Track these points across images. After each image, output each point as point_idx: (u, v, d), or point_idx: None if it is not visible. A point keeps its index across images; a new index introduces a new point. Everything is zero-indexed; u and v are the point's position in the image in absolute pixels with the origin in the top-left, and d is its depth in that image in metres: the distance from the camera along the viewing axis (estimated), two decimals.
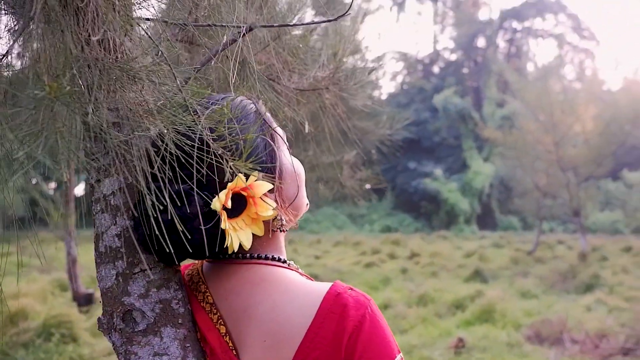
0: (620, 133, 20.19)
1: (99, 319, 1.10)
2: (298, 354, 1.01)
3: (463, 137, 41.71)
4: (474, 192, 38.91)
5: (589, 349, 7.75)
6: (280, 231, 1.16)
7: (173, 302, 1.09)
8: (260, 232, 1.08)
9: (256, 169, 1.03)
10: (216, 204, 1.01)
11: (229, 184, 1.02)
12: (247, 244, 1.05)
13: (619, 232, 30.72)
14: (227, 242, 1.03)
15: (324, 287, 1.07)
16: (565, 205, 21.42)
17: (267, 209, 1.06)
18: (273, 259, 1.14)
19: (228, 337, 1.08)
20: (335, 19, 1.14)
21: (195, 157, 1.00)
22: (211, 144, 0.96)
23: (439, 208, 39.27)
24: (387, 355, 1.01)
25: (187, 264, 1.25)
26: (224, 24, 1.10)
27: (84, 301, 9.75)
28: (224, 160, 0.97)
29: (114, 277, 1.08)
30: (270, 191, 1.10)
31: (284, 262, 1.15)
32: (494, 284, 13.36)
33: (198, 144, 0.99)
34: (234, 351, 1.07)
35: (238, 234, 1.05)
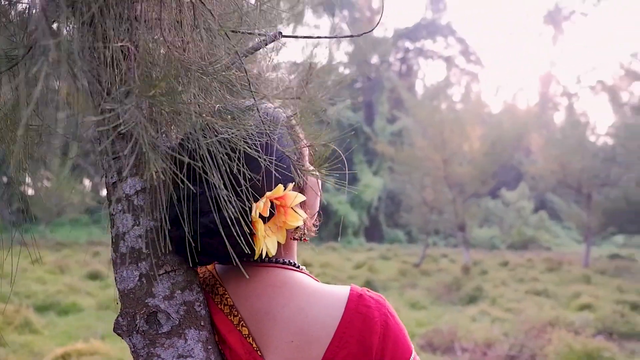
0: (504, 154, 21.52)
1: (117, 320, 1.08)
2: (327, 353, 1.06)
3: (354, 151, 42.72)
4: (362, 205, 39.85)
5: (478, 357, 8.18)
6: (301, 240, 1.19)
7: (196, 304, 1.09)
8: (283, 239, 1.11)
9: (331, 175, 1.06)
10: (256, 212, 1.03)
11: (267, 193, 1.05)
12: (273, 251, 1.08)
13: (495, 247, 32.53)
14: (257, 248, 1.05)
15: (344, 289, 1.13)
16: (450, 220, 22.43)
17: (297, 219, 1.09)
18: (290, 263, 1.17)
19: (251, 338, 1.09)
20: (359, 35, 1.19)
21: (239, 163, 1.01)
22: (279, 149, 0.98)
23: (329, 219, 39.90)
24: (408, 350, 1.09)
25: None
26: (249, 32, 1.12)
27: None
28: (294, 165, 0.99)
29: (137, 278, 1.07)
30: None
31: (298, 267, 1.19)
32: (384, 295, 13.67)
33: (255, 150, 1.01)
34: (258, 352, 1.09)
35: (265, 241, 1.08)
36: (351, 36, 1.19)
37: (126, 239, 1.08)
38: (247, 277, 1.13)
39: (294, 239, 1.19)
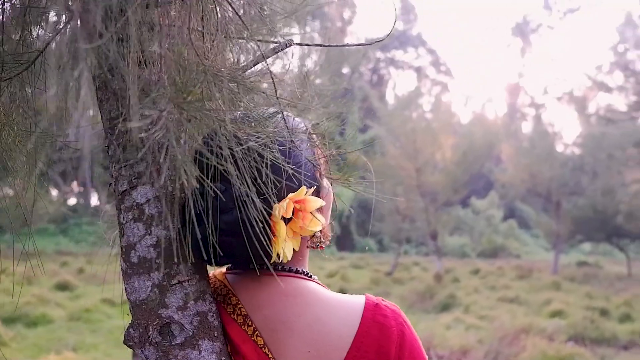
0: (476, 163, 21.78)
1: (128, 332, 1.05)
2: None
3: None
4: (333, 214, 39.77)
5: None
6: (316, 247, 1.18)
7: (209, 315, 1.07)
8: (297, 246, 1.09)
9: (357, 183, 1.05)
10: (278, 212, 1.01)
11: (290, 195, 1.03)
12: (289, 256, 1.06)
13: (466, 256, 32.80)
14: (275, 252, 1.04)
15: (359, 298, 1.13)
16: (422, 228, 22.57)
17: (317, 223, 1.07)
18: (303, 273, 1.16)
19: (267, 348, 1.07)
20: (370, 44, 1.19)
21: (257, 166, 1.00)
22: (302, 154, 0.97)
23: None
24: (424, 358, 1.10)
25: None
26: (262, 39, 1.11)
27: None
28: (318, 170, 0.99)
29: (150, 288, 1.04)
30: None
31: (310, 276, 1.18)
32: None
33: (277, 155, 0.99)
34: None
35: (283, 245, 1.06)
36: (363, 44, 1.19)
37: (137, 248, 1.06)
38: (261, 283, 1.12)
39: (310, 246, 1.18)
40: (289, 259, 1.06)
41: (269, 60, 1.09)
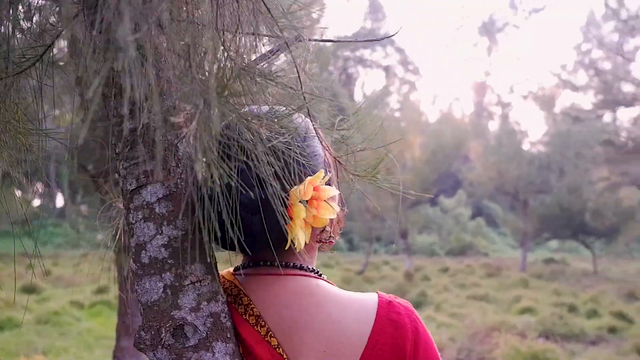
0: (445, 161, 21.97)
1: (139, 335, 1.03)
2: None
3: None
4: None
5: None
6: (326, 242, 1.17)
7: (222, 316, 1.05)
8: (308, 237, 1.08)
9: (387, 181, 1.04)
10: (296, 193, 1.01)
11: (308, 178, 1.03)
12: (302, 244, 1.05)
13: (435, 254, 33.04)
14: (292, 235, 1.03)
15: (372, 296, 1.12)
16: (392, 227, 22.67)
17: (331, 211, 1.06)
18: (312, 270, 1.15)
19: (281, 349, 1.06)
20: (379, 40, 1.18)
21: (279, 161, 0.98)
22: (330, 152, 0.96)
23: None
24: (437, 356, 1.10)
25: None
26: (270, 35, 1.10)
27: None
28: (343, 167, 0.97)
29: (162, 289, 1.02)
30: None
31: (320, 274, 1.17)
32: None
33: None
34: None
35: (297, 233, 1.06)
36: (371, 40, 1.18)
37: (148, 248, 1.03)
38: (272, 282, 1.10)
39: (320, 241, 1.17)
40: (302, 247, 1.05)
41: (279, 55, 1.08)
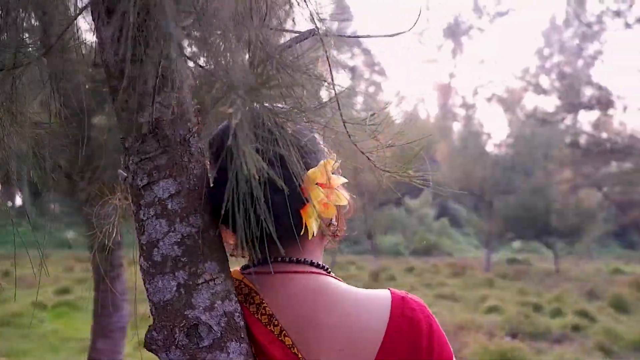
0: (411, 162, 22.08)
1: (151, 336, 0.99)
2: (378, 358, 1.03)
3: None
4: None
5: None
6: (333, 236, 1.16)
7: (235, 315, 1.03)
8: (316, 228, 1.07)
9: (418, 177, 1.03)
10: (314, 174, 1.00)
11: (322, 162, 1.03)
12: (315, 230, 1.05)
13: (400, 254, 33.24)
14: (308, 217, 1.03)
15: (384, 292, 1.12)
16: (358, 228, 22.75)
17: (343, 198, 1.08)
18: (322, 267, 1.13)
19: (296, 348, 1.03)
20: (392, 35, 1.17)
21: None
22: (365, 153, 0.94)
23: None
24: (450, 351, 1.09)
25: None
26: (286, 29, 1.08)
27: None
28: (372, 163, 0.95)
29: (175, 288, 0.99)
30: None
31: (329, 271, 1.15)
32: None
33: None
34: None
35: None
36: (389, 35, 1.16)
37: (160, 246, 1.00)
38: (284, 281, 1.09)
39: (327, 234, 1.16)
40: (315, 234, 1.05)
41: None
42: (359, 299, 1.08)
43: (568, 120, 21.77)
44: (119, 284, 4.29)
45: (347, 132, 0.95)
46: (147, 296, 1.02)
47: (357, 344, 1.03)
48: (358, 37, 1.04)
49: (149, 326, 1.01)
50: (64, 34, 0.92)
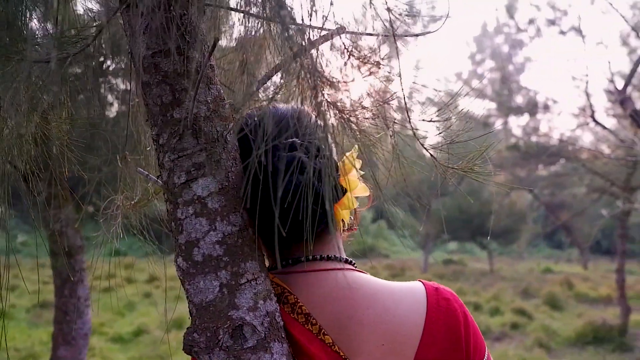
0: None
1: (192, 337, 0.96)
2: (419, 351, 1.03)
3: None
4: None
5: None
6: (350, 230, 1.19)
7: (276, 315, 1.01)
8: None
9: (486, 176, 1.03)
10: (349, 159, 1.01)
11: (349, 153, 1.08)
12: (347, 220, 1.10)
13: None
14: (348, 201, 1.07)
15: (418, 284, 1.12)
16: None
17: (365, 189, 1.13)
18: (351, 262, 1.14)
19: (336, 346, 1.02)
20: (418, 35, 1.18)
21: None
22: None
23: None
24: (483, 339, 1.11)
25: None
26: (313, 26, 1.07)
27: None
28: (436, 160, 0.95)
29: (217, 289, 0.96)
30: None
31: (354, 264, 1.15)
32: None
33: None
34: None
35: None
36: (415, 35, 1.17)
37: (201, 245, 0.97)
38: (317, 278, 1.08)
39: (343, 230, 1.17)
40: (347, 224, 1.10)
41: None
42: (395, 293, 1.08)
43: (499, 124, 22.42)
44: (81, 289, 4.13)
45: (413, 129, 0.95)
46: (187, 297, 0.99)
47: (398, 338, 1.03)
48: (370, 34, 1.04)
49: (188, 328, 0.98)
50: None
